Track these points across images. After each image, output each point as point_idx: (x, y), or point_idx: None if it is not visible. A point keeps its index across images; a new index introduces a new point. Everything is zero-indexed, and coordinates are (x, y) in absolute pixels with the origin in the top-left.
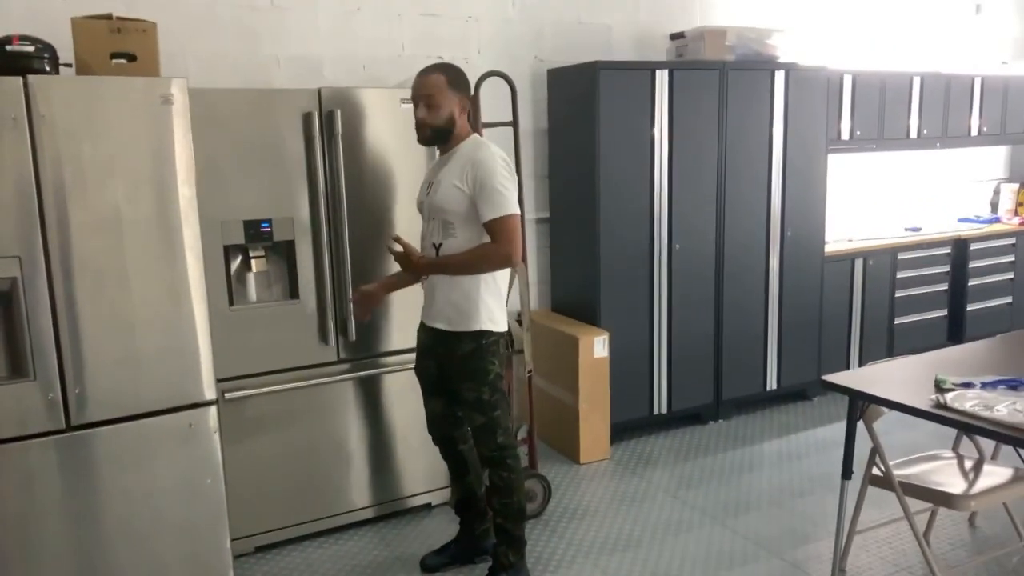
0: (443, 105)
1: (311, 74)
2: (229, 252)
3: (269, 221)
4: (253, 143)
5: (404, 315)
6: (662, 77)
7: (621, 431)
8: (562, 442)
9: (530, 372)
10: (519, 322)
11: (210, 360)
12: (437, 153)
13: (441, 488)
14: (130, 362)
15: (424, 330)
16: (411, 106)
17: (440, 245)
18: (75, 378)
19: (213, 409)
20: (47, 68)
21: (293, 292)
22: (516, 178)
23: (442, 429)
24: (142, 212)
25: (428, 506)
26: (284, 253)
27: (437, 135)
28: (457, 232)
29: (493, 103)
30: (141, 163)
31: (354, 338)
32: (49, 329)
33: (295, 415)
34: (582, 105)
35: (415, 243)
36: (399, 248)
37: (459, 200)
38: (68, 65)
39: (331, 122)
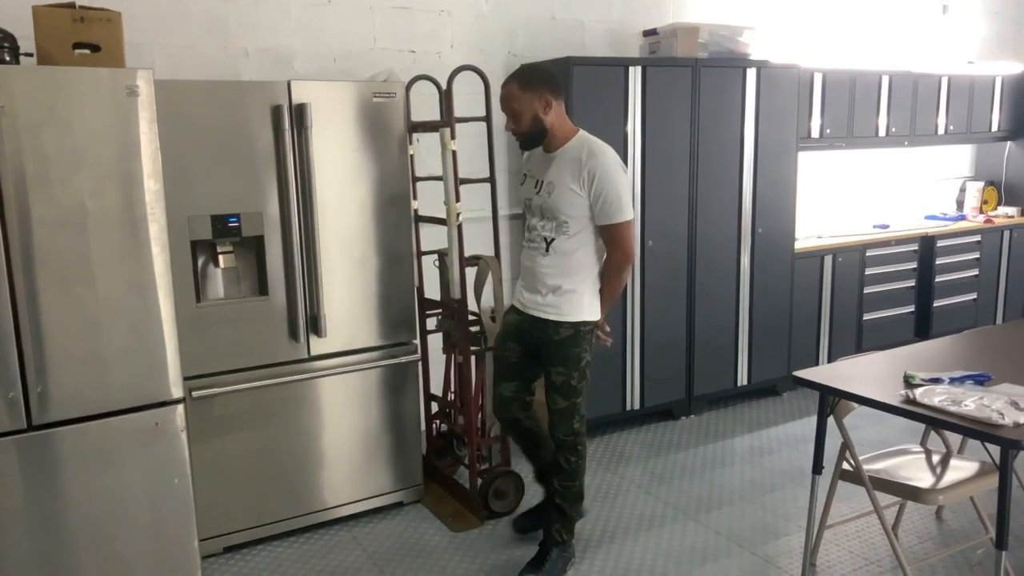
0: (523, 111)
1: (281, 67)
2: (196, 248)
3: (237, 216)
4: (221, 136)
5: (376, 312)
6: (635, 74)
7: (594, 427)
8: None
9: None
10: (492, 318)
11: (177, 358)
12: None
13: (413, 486)
14: (94, 360)
15: (517, 314)
16: (384, 100)
17: (553, 240)
18: (37, 376)
19: (180, 408)
20: (7, 58)
21: (262, 288)
22: (629, 179)
23: (510, 411)
24: (107, 206)
25: (400, 504)
26: (253, 248)
27: (529, 139)
28: (571, 230)
29: (467, 98)
30: (105, 156)
31: (325, 335)
32: (9, 326)
33: (264, 413)
34: None
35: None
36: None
37: (576, 204)
38: (29, 55)
39: (301, 115)
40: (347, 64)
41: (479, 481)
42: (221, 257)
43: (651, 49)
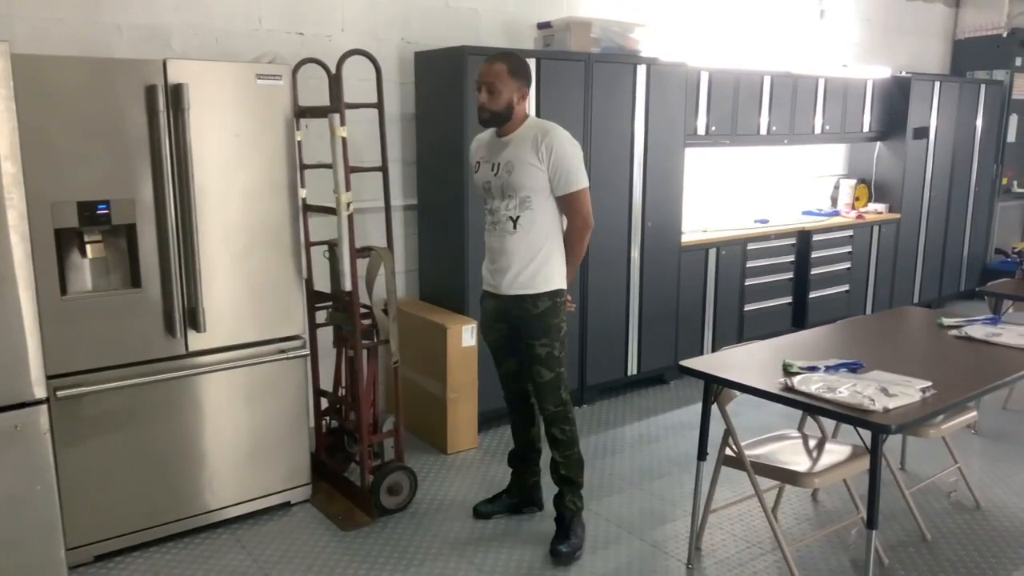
0: (503, 92)
1: (159, 46)
2: (61, 236)
3: (107, 203)
4: (90, 117)
5: (260, 305)
6: (529, 65)
7: (490, 419)
8: (430, 432)
9: (396, 363)
10: (385, 311)
11: (39, 355)
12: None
13: (301, 485)
14: None
15: (492, 298)
16: (268, 82)
17: (519, 217)
18: None
19: (43, 409)
20: None
21: (135, 280)
22: (579, 149)
23: (519, 384)
24: None
25: (287, 504)
26: (124, 237)
27: (495, 118)
28: (534, 204)
29: (358, 84)
30: None
31: (204, 330)
32: None
33: (139, 413)
34: (450, 90)
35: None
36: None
37: (537, 177)
38: None
39: (178, 96)
40: (230, 45)
41: (371, 478)
42: (89, 247)
43: (545, 42)
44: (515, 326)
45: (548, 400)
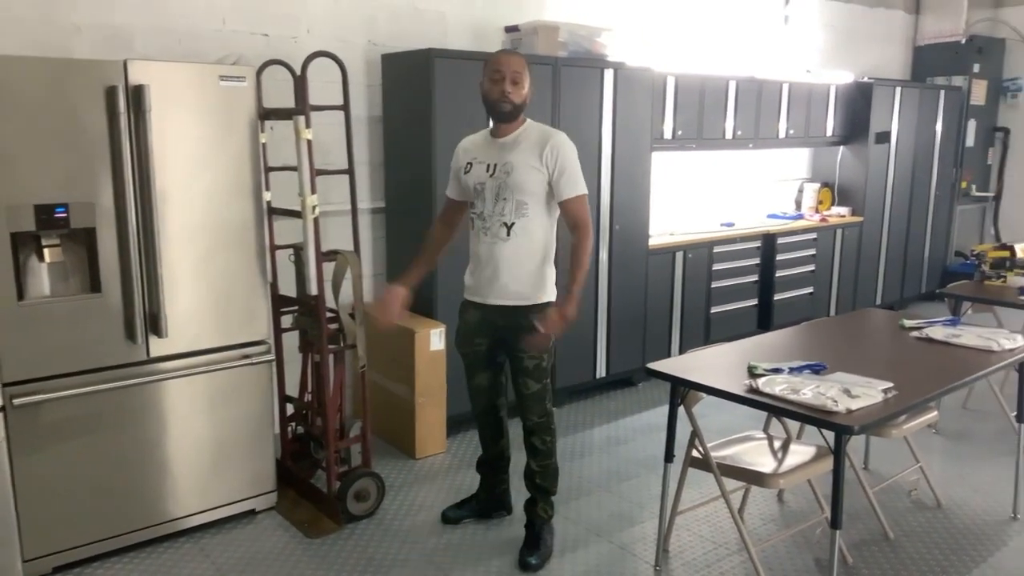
0: (525, 85)
1: (120, 46)
2: (18, 240)
3: (65, 206)
4: (47, 119)
5: (225, 310)
6: None
7: (458, 423)
8: (398, 437)
9: (363, 367)
10: (352, 315)
11: None
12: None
13: (266, 493)
14: None
15: (478, 308)
16: (232, 84)
17: (514, 224)
18: None
19: None
20: None
21: (95, 285)
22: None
23: (490, 399)
24: None
25: (252, 512)
26: (84, 242)
27: (515, 111)
28: (530, 211)
29: (324, 86)
30: None
31: (167, 335)
32: None
33: (100, 421)
34: (417, 93)
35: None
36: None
37: (537, 181)
38: None
39: (139, 98)
40: (193, 46)
41: (338, 484)
42: (47, 251)
43: (513, 45)
44: (501, 338)
45: (532, 411)
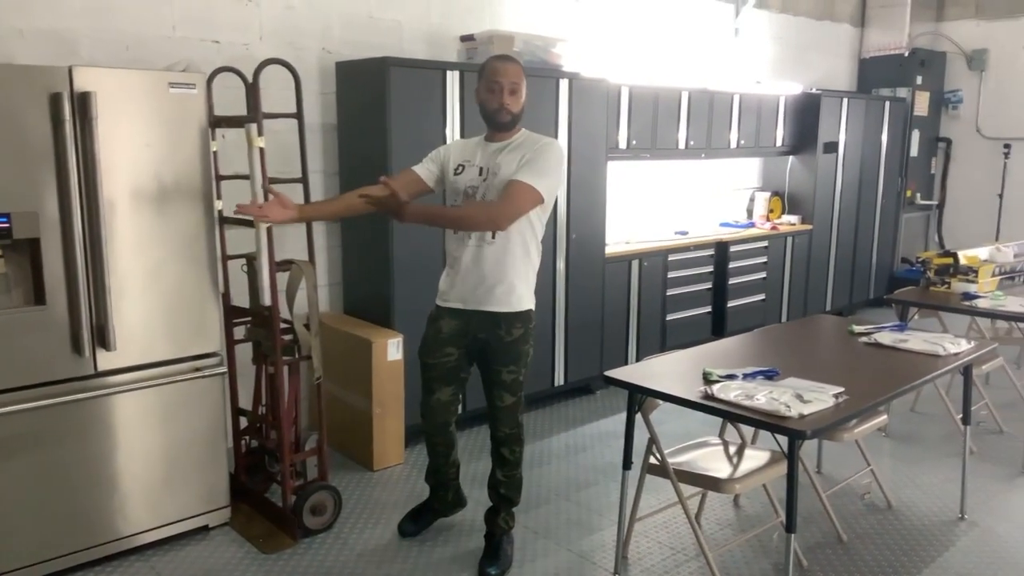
0: (523, 94)
1: (65, 52)
2: None
3: (7, 216)
4: None
5: (175, 322)
6: (453, 78)
7: (416, 434)
8: (355, 448)
9: (319, 379)
10: (307, 326)
11: None
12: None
13: (219, 508)
14: None
15: (455, 315)
16: (181, 91)
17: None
18: None
19: None
20: None
21: (39, 297)
22: (563, 176)
23: (444, 416)
24: None
25: (205, 528)
26: (27, 252)
27: (513, 121)
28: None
29: (277, 94)
30: None
31: (115, 348)
32: None
33: (45, 436)
34: (372, 101)
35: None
36: (386, 191)
37: None
38: None
39: (85, 105)
40: (141, 52)
41: (293, 498)
42: None
43: (468, 55)
44: (478, 349)
45: (504, 423)
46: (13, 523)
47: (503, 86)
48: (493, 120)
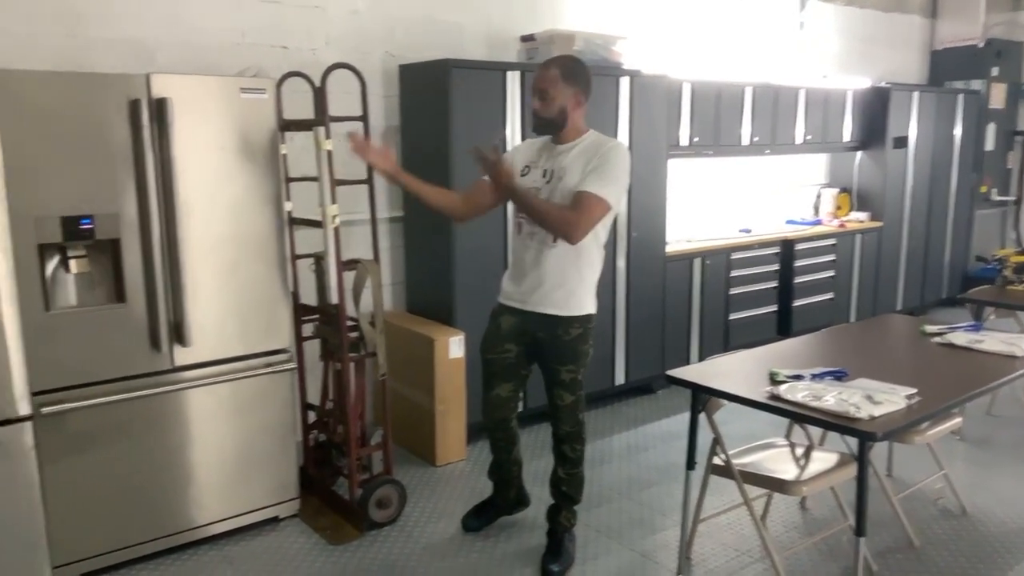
0: (556, 98)
1: (143, 60)
2: (44, 252)
3: (91, 218)
4: (73, 133)
5: (247, 319)
6: (513, 78)
7: (478, 431)
8: (418, 445)
9: (383, 375)
10: (372, 324)
11: (23, 371)
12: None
13: (289, 500)
14: None
15: (515, 314)
16: (252, 96)
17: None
18: None
19: (28, 425)
20: None
21: (119, 295)
22: (628, 180)
23: (504, 412)
24: None
25: (275, 519)
26: (109, 252)
27: (548, 125)
28: None
29: (343, 97)
30: None
31: (190, 344)
32: None
33: (125, 429)
34: (434, 103)
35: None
36: (492, 156)
37: None
38: None
39: (162, 110)
40: (214, 59)
41: (359, 492)
42: (72, 262)
43: (529, 55)
44: (537, 348)
45: (565, 421)
46: (95, 510)
47: (534, 91)
48: (534, 126)
